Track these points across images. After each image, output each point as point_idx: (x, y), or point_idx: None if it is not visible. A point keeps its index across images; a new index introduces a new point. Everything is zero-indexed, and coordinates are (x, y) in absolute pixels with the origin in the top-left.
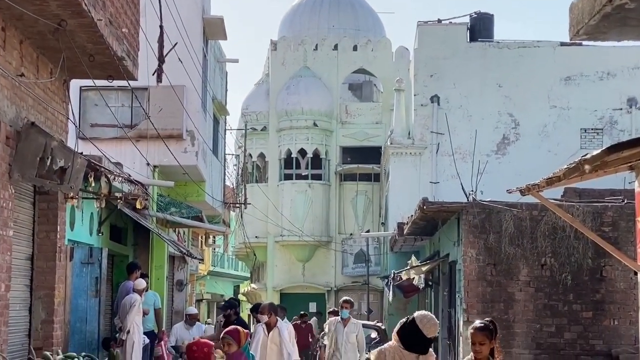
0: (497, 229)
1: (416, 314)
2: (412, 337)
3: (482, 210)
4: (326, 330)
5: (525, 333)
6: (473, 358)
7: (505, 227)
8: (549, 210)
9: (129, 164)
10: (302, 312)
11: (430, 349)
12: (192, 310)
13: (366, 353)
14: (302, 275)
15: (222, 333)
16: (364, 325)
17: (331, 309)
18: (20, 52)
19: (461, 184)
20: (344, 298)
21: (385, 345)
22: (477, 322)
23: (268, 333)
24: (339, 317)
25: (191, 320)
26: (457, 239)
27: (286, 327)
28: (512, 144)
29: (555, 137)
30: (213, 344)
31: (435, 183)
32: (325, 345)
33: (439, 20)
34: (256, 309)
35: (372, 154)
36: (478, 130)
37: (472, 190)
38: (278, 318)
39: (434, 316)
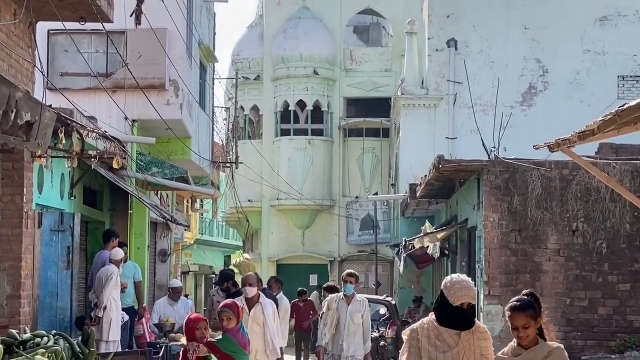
0: (523, 191)
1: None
2: (440, 307)
3: (505, 169)
4: (325, 309)
5: (554, 308)
6: (516, 345)
7: (531, 188)
8: (581, 169)
9: (104, 118)
10: (299, 289)
11: (479, 324)
12: (176, 283)
13: (373, 332)
14: (302, 243)
15: (220, 306)
16: (372, 300)
17: (328, 284)
18: None
19: (482, 139)
20: (348, 271)
21: (419, 322)
22: (515, 301)
23: (249, 310)
24: (342, 293)
25: (175, 294)
26: (477, 202)
27: (271, 304)
28: (540, 93)
29: (589, 86)
30: (203, 319)
31: (452, 139)
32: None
33: None
34: None
35: (380, 106)
36: (501, 79)
37: (494, 147)
38: (260, 293)
39: (464, 278)
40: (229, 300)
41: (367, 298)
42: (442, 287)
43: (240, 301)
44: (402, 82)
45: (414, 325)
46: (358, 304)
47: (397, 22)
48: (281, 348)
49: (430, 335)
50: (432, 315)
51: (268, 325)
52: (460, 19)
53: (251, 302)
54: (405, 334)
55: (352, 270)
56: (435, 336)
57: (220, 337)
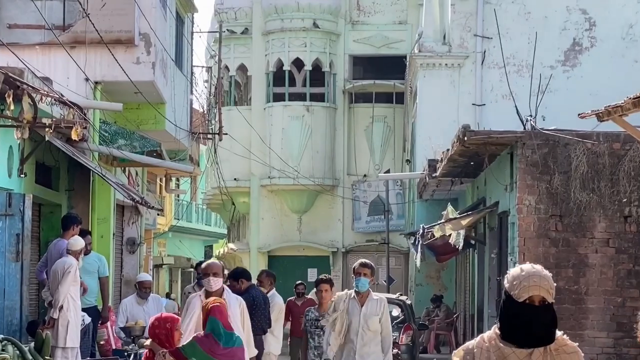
0: (565, 168)
1: None
2: (503, 312)
3: (544, 142)
4: (330, 310)
5: (602, 309)
6: None
7: (575, 166)
8: (635, 142)
9: (61, 80)
10: (298, 282)
11: (565, 339)
12: (144, 277)
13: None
14: (298, 231)
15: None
16: None
17: (322, 277)
18: None
19: (515, 106)
20: (361, 260)
21: (478, 337)
22: None
23: None
24: (352, 290)
25: (143, 291)
26: (509, 182)
27: (238, 301)
28: (586, 51)
29: None
30: (179, 318)
31: (479, 105)
32: (309, 331)
33: None
34: (235, 276)
35: (393, 66)
36: (539, 34)
37: (531, 115)
38: (225, 287)
39: (536, 266)
40: (216, 300)
41: None
42: (504, 283)
43: (199, 297)
44: (420, 37)
45: (470, 344)
46: (375, 304)
47: None
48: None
49: (491, 357)
50: (495, 328)
51: (234, 328)
52: None
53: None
54: (457, 357)
55: (366, 260)
56: (497, 358)
57: (188, 342)
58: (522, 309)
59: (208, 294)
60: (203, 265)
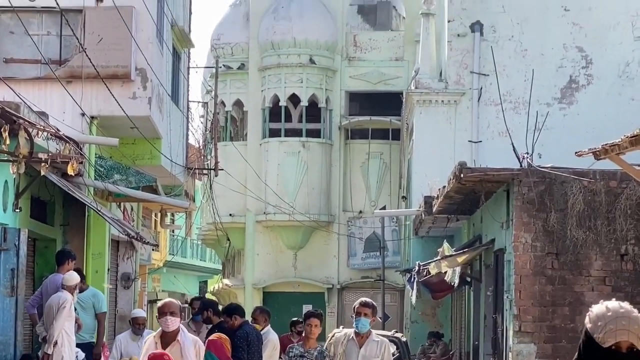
0: (561, 206)
1: None
2: (584, 355)
3: (540, 179)
4: (331, 351)
5: None
6: None
7: (571, 204)
8: (632, 180)
9: (58, 114)
10: (294, 319)
11: None
12: (139, 312)
13: None
14: (294, 267)
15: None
16: None
17: (312, 310)
18: None
19: (512, 143)
20: (362, 299)
21: None
22: None
23: (164, 349)
24: (352, 330)
25: (137, 327)
26: (505, 220)
27: (194, 343)
28: (582, 89)
29: None
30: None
31: (476, 142)
32: None
33: None
34: (228, 312)
35: (389, 102)
36: (536, 71)
37: (528, 153)
38: (182, 327)
39: (624, 305)
40: (214, 336)
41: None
42: (585, 322)
43: (153, 338)
44: (416, 74)
45: None
46: (375, 345)
47: (410, 2)
48: None
49: None
50: None
51: None
52: None
53: (168, 339)
54: None
55: (368, 299)
56: None
57: None
58: (606, 355)
59: (164, 334)
60: (159, 303)
